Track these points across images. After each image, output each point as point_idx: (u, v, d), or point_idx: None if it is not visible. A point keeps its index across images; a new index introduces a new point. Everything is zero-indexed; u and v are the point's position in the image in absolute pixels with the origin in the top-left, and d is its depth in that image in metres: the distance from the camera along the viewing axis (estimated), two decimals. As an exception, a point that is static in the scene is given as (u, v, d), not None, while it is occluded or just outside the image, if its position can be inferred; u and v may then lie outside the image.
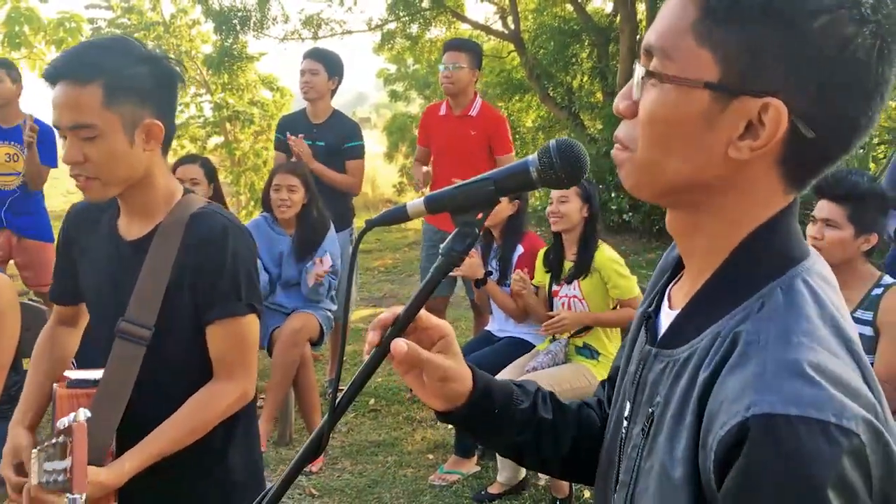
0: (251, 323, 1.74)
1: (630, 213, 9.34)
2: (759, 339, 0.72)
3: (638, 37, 10.34)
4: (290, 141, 4.21)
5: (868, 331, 2.51)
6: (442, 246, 0.94)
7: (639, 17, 10.62)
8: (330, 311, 3.98)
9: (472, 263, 3.59)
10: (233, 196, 14.93)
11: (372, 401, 4.56)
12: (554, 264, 3.52)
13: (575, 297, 3.40)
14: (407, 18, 12.49)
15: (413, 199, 0.96)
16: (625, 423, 0.91)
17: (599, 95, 11.75)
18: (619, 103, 0.84)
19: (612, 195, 9.35)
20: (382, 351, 0.92)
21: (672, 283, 0.95)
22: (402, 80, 18.84)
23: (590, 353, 3.40)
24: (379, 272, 8.46)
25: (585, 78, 12.17)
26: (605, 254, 3.36)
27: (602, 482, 0.97)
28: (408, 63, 18.37)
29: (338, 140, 4.35)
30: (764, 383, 0.68)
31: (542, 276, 3.60)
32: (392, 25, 12.98)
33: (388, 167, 18.16)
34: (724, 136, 0.77)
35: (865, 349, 2.49)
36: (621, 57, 10.18)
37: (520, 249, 3.67)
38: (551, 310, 3.49)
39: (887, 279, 2.56)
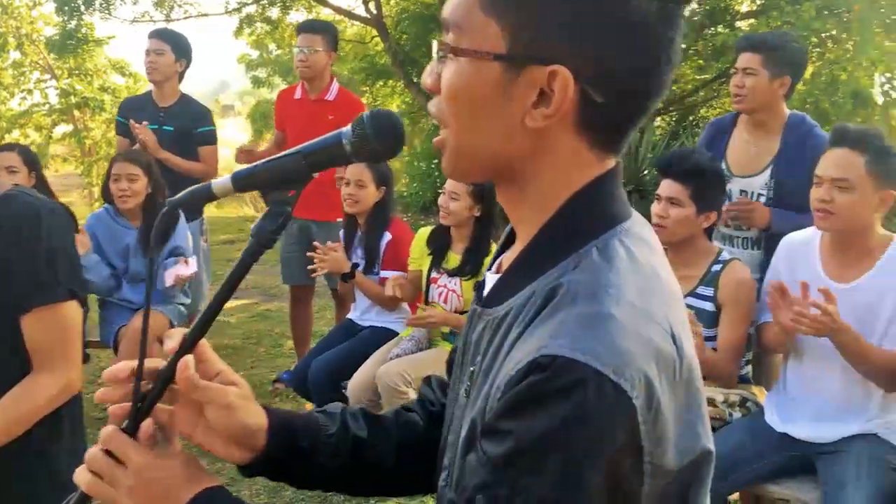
0: (72, 309, 1.61)
1: (494, 198, 9.49)
2: (569, 293, 0.74)
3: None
4: (133, 128, 3.97)
5: (709, 306, 2.61)
6: (252, 226, 0.87)
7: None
8: (183, 304, 3.80)
9: (336, 258, 3.49)
10: (84, 188, 14.14)
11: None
12: (438, 250, 3.44)
13: (454, 291, 3.35)
14: (266, 2, 12.13)
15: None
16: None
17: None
18: (426, 78, 0.84)
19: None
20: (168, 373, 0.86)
21: (505, 252, 0.96)
22: (264, 65, 18.36)
23: (455, 338, 3.39)
24: (242, 263, 8.18)
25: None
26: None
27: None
28: (270, 48, 17.92)
29: (187, 125, 4.15)
30: (560, 330, 0.70)
31: (420, 258, 3.51)
32: (251, 9, 12.60)
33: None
34: (519, 106, 0.78)
35: (707, 323, 2.60)
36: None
37: (387, 236, 3.60)
38: (427, 294, 3.43)
39: (725, 255, 2.67)
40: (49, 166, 13.12)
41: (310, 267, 3.53)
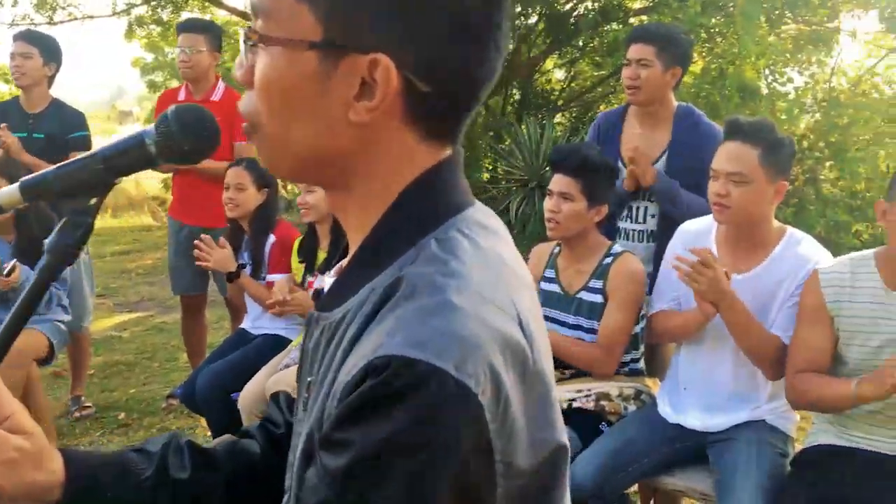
0: None
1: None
2: (408, 286, 0.69)
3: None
4: None
5: (600, 299, 2.60)
6: (47, 241, 0.76)
7: None
8: (62, 321, 3.57)
9: (223, 256, 3.36)
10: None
11: (122, 415, 4.19)
12: (308, 254, 3.37)
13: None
14: (155, 3, 11.72)
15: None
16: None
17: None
18: (236, 70, 0.77)
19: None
20: None
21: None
22: (160, 69, 17.79)
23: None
24: (136, 275, 7.88)
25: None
26: None
27: None
28: (165, 51, 17.38)
29: (60, 131, 3.91)
30: (398, 326, 0.65)
31: (298, 267, 3.43)
32: (141, 10, 12.16)
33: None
34: (340, 99, 0.73)
35: (599, 317, 2.59)
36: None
37: (272, 239, 3.48)
38: (310, 300, 3.33)
39: (616, 248, 2.66)
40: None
41: (197, 261, 3.38)
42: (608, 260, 2.62)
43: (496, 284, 0.71)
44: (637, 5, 9.58)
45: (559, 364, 2.67)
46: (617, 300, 2.57)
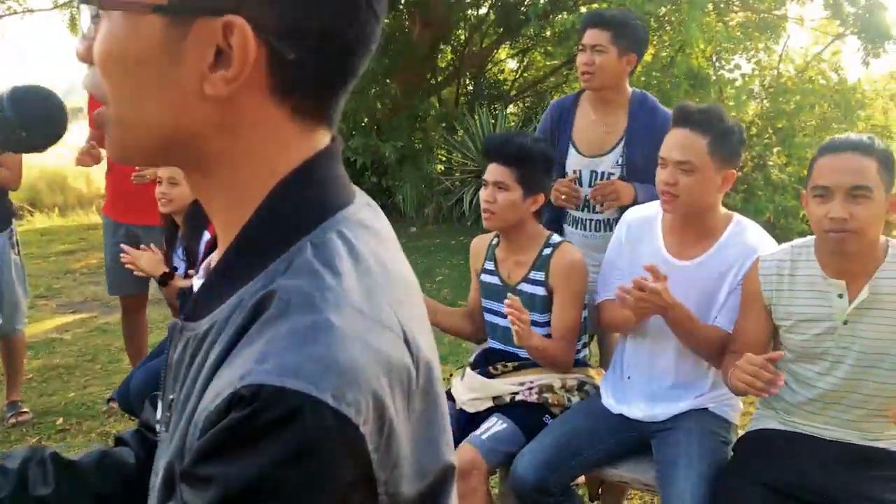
0: None
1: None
2: (281, 301, 0.61)
3: None
4: None
5: (541, 291, 2.55)
6: None
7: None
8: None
9: (150, 259, 3.24)
10: None
11: (60, 420, 4.04)
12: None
13: None
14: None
15: None
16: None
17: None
18: (78, 46, 0.68)
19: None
20: None
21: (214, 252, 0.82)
22: None
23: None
24: (81, 275, 7.66)
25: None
26: None
27: None
28: None
29: None
30: (269, 350, 0.57)
31: None
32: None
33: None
34: (193, 69, 0.64)
35: (539, 309, 2.54)
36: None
37: (206, 236, 3.36)
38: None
39: (555, 238, 2.61)
40: None
41: (124, 263, 3.25)
42: (547, 251, 2.57)
43: (379, 297, 0.64)
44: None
45: (503, 357, 2.62)
46: (563, 294, 2.52)
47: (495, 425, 2.44)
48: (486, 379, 2.58)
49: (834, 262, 2.04)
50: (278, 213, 0.68)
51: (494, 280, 2.67)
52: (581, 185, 2.98)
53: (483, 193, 2.58)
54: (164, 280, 3.25)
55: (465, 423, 2.53)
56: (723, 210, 2.37)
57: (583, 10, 9.10)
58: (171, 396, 0.71)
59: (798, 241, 2.18)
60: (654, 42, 7.65)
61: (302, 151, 0.69)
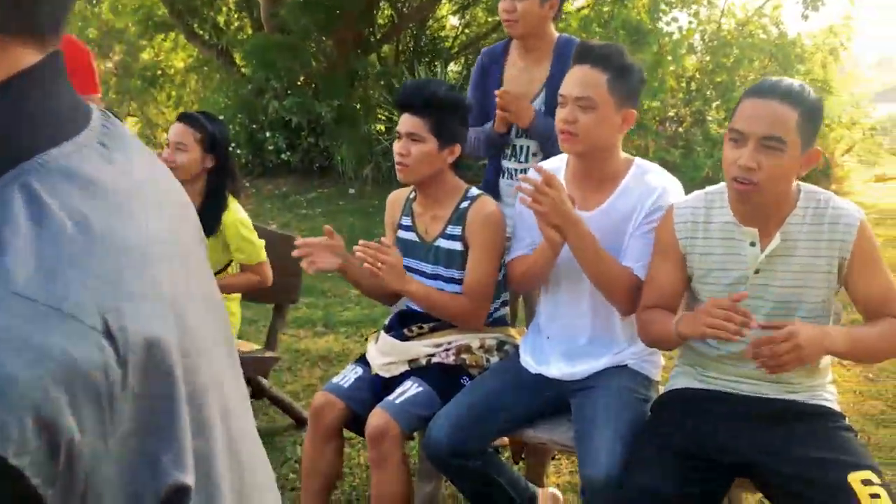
0: None
1: (288, 153, 9.05)
2: None
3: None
4: None
5: (458, 246, 2.43)
6: None
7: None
8: None
9: None
10: None
11: None
12: None
13: None
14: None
15: None
16: None
17: (249, 30, 11.21)
18: None
19: (268, 135, 8.97)
20: None
21: None
22: None
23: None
24: None
25: (234, 13, 11.52)
26: (236, 214, 2.98)
27: None
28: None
29: None
30: None
31: None
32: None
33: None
34: None
35: (458, 265, 2.42)
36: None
37: None
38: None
39: (473, 191, 2.49)
40: None
41: None
42: (465, 204, 2.45)
43: (70, 274, 0.48)
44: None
45: (419, 318, 2.50)
46: (478, 248, 2.41)
47: (410, 389, 2.33)
48: (400, 342, 2.46)
49: (745, 210, 1.95)
50: None
51: (411, 236, 2.54)
52: (510, 134, 2.90)
53: (396, 146, 2.44)
54: None
55: (381, 388, 2.42)
56: (623, 155, 2.30)
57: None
58: None
59: (712, 187, 2.09)
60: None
61: (8, 65, 0.52)
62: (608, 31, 7.42)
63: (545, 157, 2.71)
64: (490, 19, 11.74)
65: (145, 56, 13.97)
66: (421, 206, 2.54)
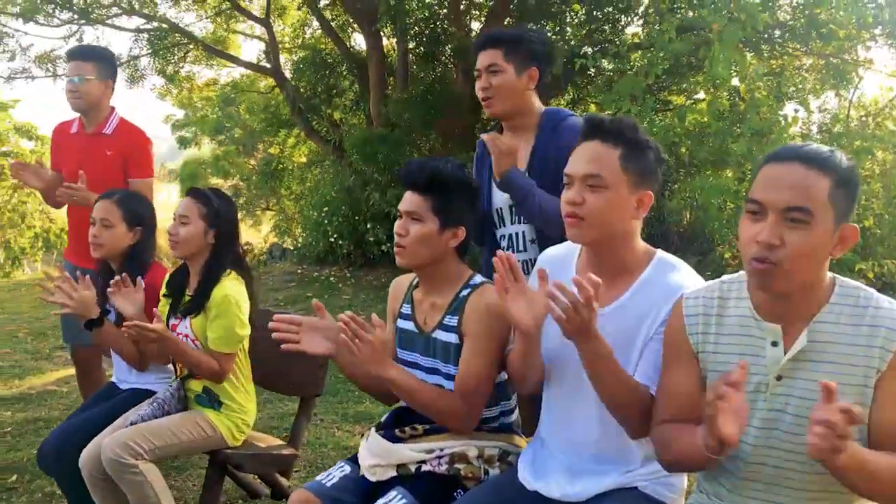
0: None
1: (388, 245, 9.05)
2: None
3: (388, 63, 10.21)
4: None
5: (454, 338, 2.17)
6: None
7: (385, 45, 10.49)
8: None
9: (83, 298, 2.96)
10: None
11: (13, 477, 3.81)
12: (175, 292, 2.98)
13: (187, 335, 2.88)
14: (150, 53, 11.75)
15: None
16: None
17: (363, 126, 11.53)
18: None
19: (369, 226, 9.02)
20: None
21: None
22: (191, 125, 18.12)
23: (209, 400, 2.88)
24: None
25: (349, 110, 11.90)
26: (225, 290, 2.81)
27: None
28: (198, 106, 17.69)
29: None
30: None
31: (164, 306, 3.04)
32: (144, 61, 12.21)
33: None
34: None
35: (455, 360, 2.13)
36: (371, 85, 9.96)
37: (141, 283, 3.09)
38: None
39: (477, 279, 2.23)
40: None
41: (49, 299, 2.95)
42: (465, 292, 2.19)
43: None
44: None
45: (413, 418, 2.23)
46: (472, 339, 2.13)
47: (393, 500, 2.04)
48: (390, 443, 2.19)
49: (768, 301, 1.60)
50: None
51: (410, 326, 2.30)
52: (503, 222, 2.67)
53: (396, 225, 2.23)
54: (93, 324, 2.98)
55: (367, 492, 2.15)
56: (643, 245, 1.97)
57: (635, 59, 8.70)
58: None
59: (729, 276, 1.74)
60: (689, 83, 7.21)
61: None
62: (728, 123, 6.96)
63: (543, 245, 2.41)
64: (602, 112, 11.59)
65: (272, 151, 14.67)
66: (421, 294, 2.30)
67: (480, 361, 2.10)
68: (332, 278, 9.38)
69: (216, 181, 17.51)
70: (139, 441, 2.63)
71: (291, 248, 11.65)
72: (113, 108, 3.77)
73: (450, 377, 2.18)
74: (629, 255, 1.93)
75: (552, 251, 2.15)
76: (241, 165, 17.18)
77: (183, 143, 18.15)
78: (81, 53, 3.74)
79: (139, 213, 3.11)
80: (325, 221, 9.41)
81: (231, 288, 2.82)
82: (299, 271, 10.23)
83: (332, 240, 9.32)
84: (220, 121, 16.63)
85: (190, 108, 17.55)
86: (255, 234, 16.81)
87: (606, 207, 1.85)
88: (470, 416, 2.13)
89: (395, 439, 2.20)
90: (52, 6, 10.44)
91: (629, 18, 9.86)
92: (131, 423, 2.76)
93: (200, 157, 19.66)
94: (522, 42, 2.60)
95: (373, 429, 2.29)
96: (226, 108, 16.30)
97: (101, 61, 3.72)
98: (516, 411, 2.32)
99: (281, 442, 3.14)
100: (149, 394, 3.01)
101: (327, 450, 4.07)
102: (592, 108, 11.84)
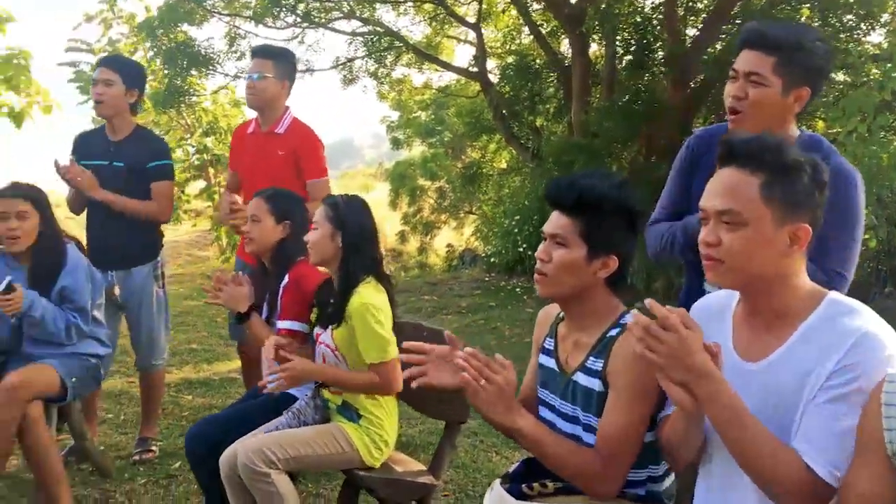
0: None
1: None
2: None
3: (593, 70, 9.82)
4: (59, 168, 3.63)
5: (596, 384, 1.84)
6: None
7: (592, 52, 10.09)
8: (94, 356, 3.33)
9: (235, 293, 2.96)
10: (216, 240, 14.50)
11: (178, 464, 3.90)
12: (322, 301, 2.88)
13: (328, 345, 2.75)
14: (365, 55, 12.12)
15: None
16: None
17: (566, 134, 11.21)
18: None
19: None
20: None
21: None
22: (403, 127, 18.67)
23: (349, 414, 2.74)
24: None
25: (552, 117, 11.61)
26: (362, 298, 2.64)
27: None
28: (414, 110, 18.20)
29: (140, 160, 3.77)
30: None
31: (314, 315, 2.95)
32: (358, 63, 12.62)
33: (394, 215, 17.78)
34: None
35: (596, 410, 1.80)
36: (574, 92, 9.61)
37: (285, 280, 3.03)
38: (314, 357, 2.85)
39: (630, 317, 1.88)
40: (182, 221, 13.50)
41: (208, 295, 3.05)
42: (614, 332, 1.86)
43: None
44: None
45: (544, 473, 1.93)
46: (619, 391, 1.80)
47: (510, 568, 1.76)
48: (514, 499, 1.90)
49: None
50: None
51: (551, 363, 2.01)
52: None
53: (538, 249, 1.95)
54: (242, 318, 2.98)
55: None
56: (809, 285, 1.58)
57: (871, 71, 7.71)
58: None
59: None
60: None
61: None
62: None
63: None
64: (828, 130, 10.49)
65: (474, 156, 14.70)
66: (565, 329, 2.00)
67: (626, 419, 1.77)
68: (517, 289, 9.14)
69: (423, 182, 17.89)
70: (274, 449, 2.56)
71: (482, 254, 11.56)
72: (287, 108, 3.77)
73: (589, 429, 1.86)
74: (787, 299, 1.57)
75: (709, 299, 1.78)
76: (448, 168, 17.44)
77: (396, 143, 18.71)
78: (263, 52, 3.77)
79: (286, 209, 3.07)
80: (516, 230, 9.19)
81: (368, 296, 2.65)
82: (486, 279, 10.09)
83: (521, 249, 9.09)
84: (431, 124, 16.97)
85: (404, 110, 18.05)
86: (458, 237, 16.97)
87: (747, 248, 1.52)
88: (609, 481, 1.80)
89: (521, 496, 1.90)
90: (278, 10, 11.01)
91: (869, 26, 8.79)
92: (269, 430, 2.69)
93: (411, 158, 20.21)
94: (802, 51, 2.11)
95: (499, 480, 2.00)
96: (438, 111, 16.60)
97: (281, 61, 3.73)
98: (669, 478, 1.95)
99: (422, 468, 2.92)
100: (289, 397, 2.92)
101: (480, 476, 3.81)
102: (820, 125, 10.78)
